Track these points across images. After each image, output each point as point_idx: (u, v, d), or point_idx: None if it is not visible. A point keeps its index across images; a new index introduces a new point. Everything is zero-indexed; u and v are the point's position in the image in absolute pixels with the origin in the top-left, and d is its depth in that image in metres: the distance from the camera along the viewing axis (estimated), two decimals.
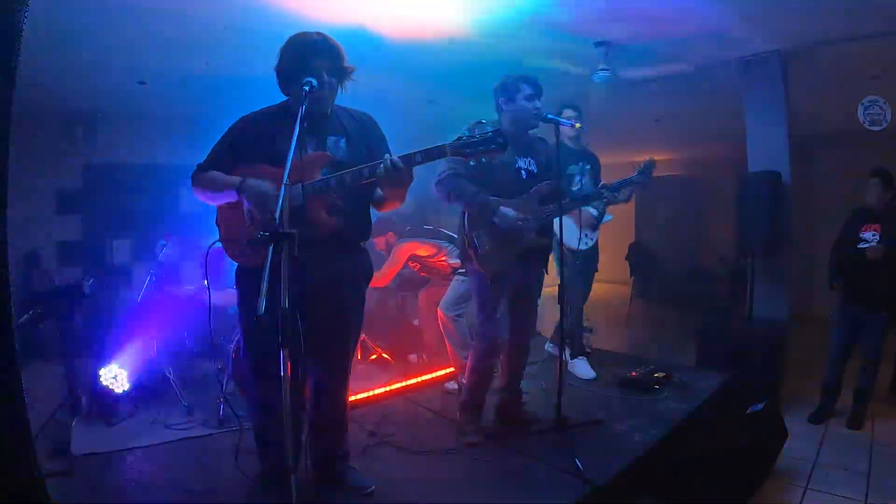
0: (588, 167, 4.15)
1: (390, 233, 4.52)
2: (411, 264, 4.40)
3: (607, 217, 4.29)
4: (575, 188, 3.92)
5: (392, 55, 4.46)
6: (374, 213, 2.43)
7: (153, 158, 6.26)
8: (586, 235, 4.07)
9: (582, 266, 4.13)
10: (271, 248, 1.58)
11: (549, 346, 4.52)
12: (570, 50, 4.52)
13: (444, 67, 4.91)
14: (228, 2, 3.53)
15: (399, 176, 2.01)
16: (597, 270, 4.45)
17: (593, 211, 4.06)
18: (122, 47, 4.13)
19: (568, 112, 4.09)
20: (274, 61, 2.17)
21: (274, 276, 1.56)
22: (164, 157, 6.19)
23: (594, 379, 4.05)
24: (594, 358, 4.37)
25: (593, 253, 4.29)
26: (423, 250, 4.27)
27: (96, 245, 6.12)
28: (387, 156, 2.00)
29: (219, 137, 2.23)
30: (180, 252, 4.54)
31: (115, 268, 6.14)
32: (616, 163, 6.22)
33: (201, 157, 2.22)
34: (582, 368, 4.16)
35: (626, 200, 3.48)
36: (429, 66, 4.89)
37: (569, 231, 3.86)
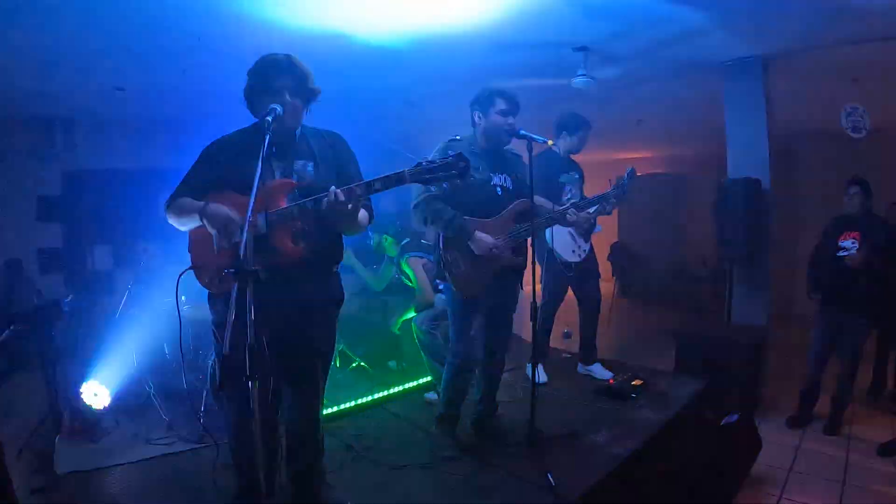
0: (577, 176, 4.11)
1: (385, 234, 4.55)
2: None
3: (597, 228, 4.21)
4: (566, 198, 3.84)
5: (371, 58, 4.46)
6: (374, 212, 2.37)
7: (133, 164, 6.22)
8: (579, 247, 4.00)
9: (581, 277, 4.10)
10: (236, 284, 1.58)
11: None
12: (550, 55, 4.53)
13: (422, 71, 4.91)
14: (204, 11, 3.50)
15: (342, 208, 1.97)
16: (599, 276, 4.42)
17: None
18: (101, 54, 4.11)
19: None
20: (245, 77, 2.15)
21: (240, 310, 1.57)
22: (143, 163, 6.15)
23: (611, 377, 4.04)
24: (571, 362, 4.41)
25: (590, 262, 4.20)
26: (427, 264, 4.31)
27: (76, 251, 6.09)
28: (332, 188, 1.96)
29: (193, 160, 2.20)
30: (162, 260, 4.51)
31: (96, 274, 6.11)
32: (596, 161, 6.23)
33: (179, 162, 2.20)
34: (600, 371, 4.20)
35: (609, 212, 3.63)
36: (407, 70, 4.88)
37: (562, 242, 3.89)
